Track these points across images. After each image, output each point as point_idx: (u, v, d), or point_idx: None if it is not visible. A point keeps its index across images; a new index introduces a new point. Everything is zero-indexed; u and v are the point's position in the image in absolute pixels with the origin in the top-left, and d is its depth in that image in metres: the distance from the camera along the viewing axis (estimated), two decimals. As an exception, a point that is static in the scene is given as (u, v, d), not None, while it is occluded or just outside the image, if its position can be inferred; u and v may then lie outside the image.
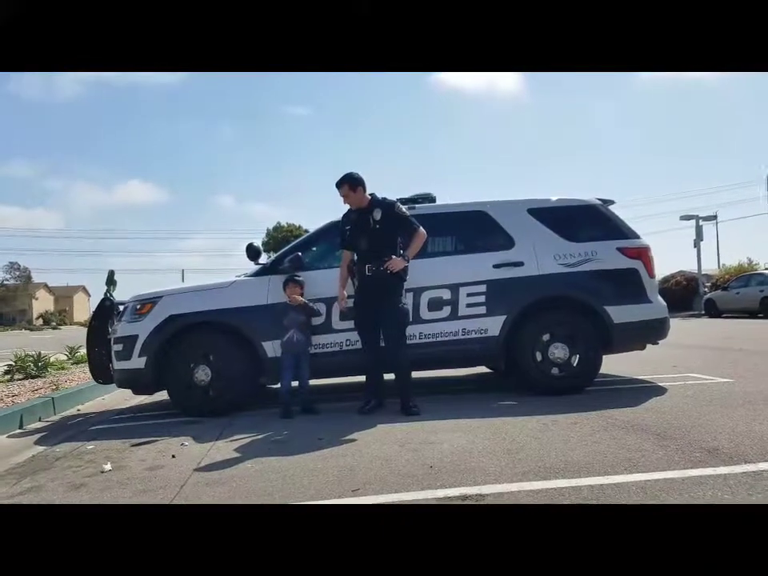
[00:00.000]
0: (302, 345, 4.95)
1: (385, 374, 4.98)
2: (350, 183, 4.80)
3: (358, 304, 4.88)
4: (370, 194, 4.89)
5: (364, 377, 5.05)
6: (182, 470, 3.41)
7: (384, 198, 4.90)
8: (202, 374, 5.08)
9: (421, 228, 4.80)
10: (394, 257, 4.66)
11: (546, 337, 5.19)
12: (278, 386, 5.04)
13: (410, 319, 4.92)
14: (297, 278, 5.04)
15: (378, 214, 4.78)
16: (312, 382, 5.12)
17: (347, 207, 4.97)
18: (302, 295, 4.99)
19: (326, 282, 5.14)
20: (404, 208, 4.89)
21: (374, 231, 4.77)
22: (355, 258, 4.88)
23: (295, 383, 5.01)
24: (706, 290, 24.70)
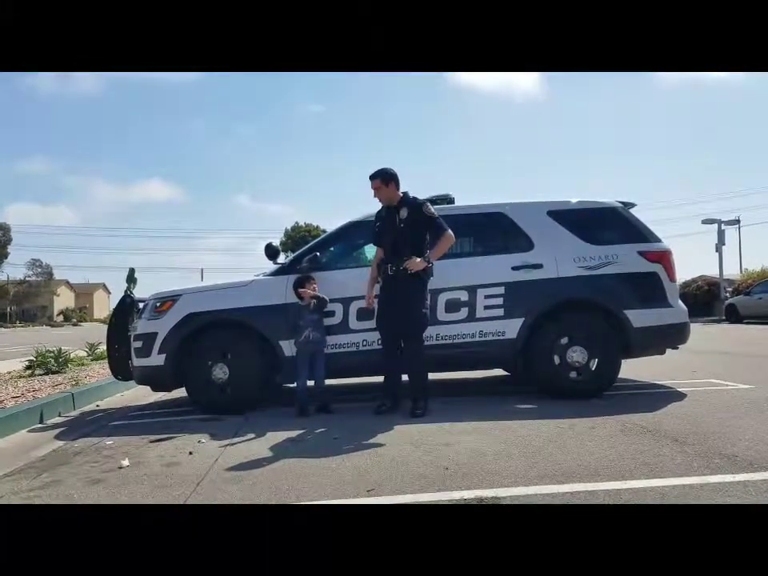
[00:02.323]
0: (318, 343, 4.96)
1: (403, 375, 4.97)
2: (383, 177, 4.79)
3: (380, 303, 4.88)
4: (402, 192, 4.88)
5: (380, 377, 5.05)
6: (198, 467, 3.43)
7: (414, 198, 4.87)
8: (220, 371, 5.12)
9: (449, 231, 4.73)
10: (414, 257, 4.63)
11: (564, 340, 5.15)
12: (294, 385, 5.07)
13: (428, 322, 4.90)
14: (306, 276, 5.06)
15: (404, 213, 4.76)
16: (328, 381, 5.13)
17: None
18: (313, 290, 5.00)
19: (344, 282, 5.17)
20: (433, 209, 4.82)
21: (399, 230, 4.75)
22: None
23: (311, 382, 5.03)
24: (728, 294, 24.34)
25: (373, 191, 4.85)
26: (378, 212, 5.01)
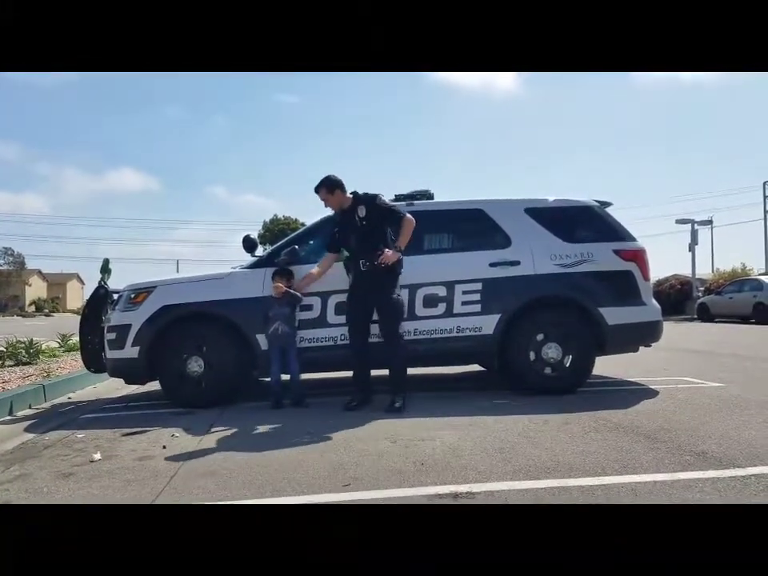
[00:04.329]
0: (288, 337, 4.93)
1: (373, 370, 4.98)
2: (326, 187, 4.84)
3: (352, 300, 4.88)
4: (351, 193, 4.91)
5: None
6: (172, 461, 3.40)
7: (365, 194, 4.89)
8: (195, 365, 5.06)
9: (407, 215, 4.78)
10: (387, 250, 4.65)
11: (539, 336, 5.20)
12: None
13: (406, 313, 4.91)
14: (284, 269, 5.02)
15: (362, 211, 4.79)
16: (304, 376, 5.11)
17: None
18: (289, 287, 4.96)
19: (322, 276, 5.13)
20: (386, 199, 4.89)
21: (361, 228, 4.78)
22: (344, 255, 4.90)
23: (286, 376, 5.01)
24: (700, 294, 24.78)
25: (323, 203, 4.90)
26: (334, 219, 5.06)
